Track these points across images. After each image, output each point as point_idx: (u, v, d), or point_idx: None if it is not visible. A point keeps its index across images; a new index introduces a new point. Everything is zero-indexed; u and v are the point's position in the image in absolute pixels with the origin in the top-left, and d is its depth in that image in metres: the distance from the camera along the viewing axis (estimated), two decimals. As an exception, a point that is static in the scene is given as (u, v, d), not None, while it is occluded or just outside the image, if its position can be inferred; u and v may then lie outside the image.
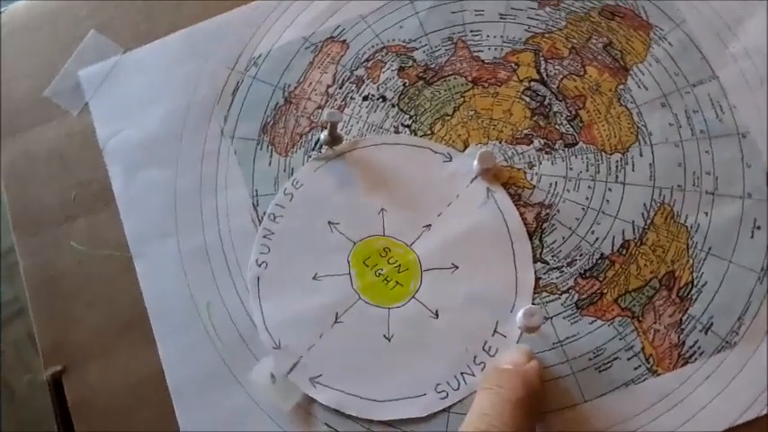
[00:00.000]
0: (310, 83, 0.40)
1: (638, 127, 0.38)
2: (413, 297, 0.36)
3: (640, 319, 0.35)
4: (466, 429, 0.30)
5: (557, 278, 0.36)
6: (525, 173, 0.38)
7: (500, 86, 0.39)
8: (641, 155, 0.37)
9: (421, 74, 0.40)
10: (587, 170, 0.37)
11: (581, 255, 0.36)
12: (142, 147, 0.40)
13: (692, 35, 0.39)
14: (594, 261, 0.36)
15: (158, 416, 0.36)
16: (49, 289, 0.39)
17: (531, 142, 0.38)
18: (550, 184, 0.37)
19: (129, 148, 0.40)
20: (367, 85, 0.40)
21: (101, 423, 0.37)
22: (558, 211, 0.37)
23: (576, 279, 0.36)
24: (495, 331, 0.35)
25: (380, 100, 0.40)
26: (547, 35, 0.40)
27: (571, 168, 0.37)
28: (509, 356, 0.34)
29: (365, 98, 0.40)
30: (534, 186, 0.37)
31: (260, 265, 0.37)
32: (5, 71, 0.43)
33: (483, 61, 0.40)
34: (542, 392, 0.33)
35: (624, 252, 0.36)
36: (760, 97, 0.37)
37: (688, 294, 0.35)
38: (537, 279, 0.36)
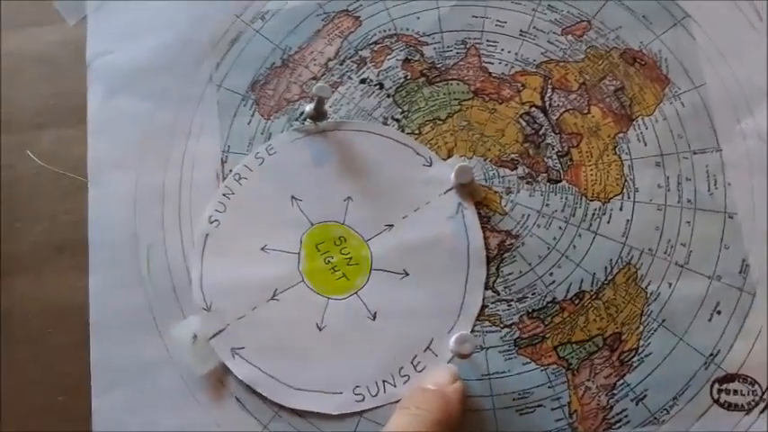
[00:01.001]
0: (312, 51, 0.39)
1: (626, 180, 0.36)
2: (355, 293, 0.35)
3: (575, 372, 0.34)
4: None
5: (503, 311, 0.35)
6: (501, 197, 0.37)
7: (500, 104, 0.38)
8: (621, 209, 0.36)
9: (425, 70, 0.39)
10: (563, 210, 0.36)
11: (533, 293, 0.35)
12: (127, 73, 0.39)
13: (707, 101, 0.37)
14: (545, 303, 0.35)
15: (71, 345, 0.35)
16: (1, 191, 0.38)
17: (516, 168, 0.37)
18: (523, 215, 0.36)
19: (113, 72, 0.39)
20: (368, 68, 0.39)
21: (16, 339, 0.36)
22: (523, 244, 0.36)
23: (521, 316, 0.35)
24: (427, 348, 0.35)
25: (377, 87, 0.39)
26: (561, 64, 0.38)
27: (548, 204, 0.36)
28: (434, 377, 0.33)
29: (362, 81, 0.39)
30: (506, 213, 0.36)
31: (212, 223, 0.36)
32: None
33: (490, 74, 0.38)
34: (460, 417, 0.32)
35: (577, 302, 0.35)
36: (757, 181, 0.36)
37: (629, 360, 0.34)
38: (483, 306, 0.35)
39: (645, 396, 0.34)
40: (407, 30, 0.39)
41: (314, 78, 0.39)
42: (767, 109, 0.37)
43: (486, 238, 0.36)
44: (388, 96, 0.38)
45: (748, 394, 0.33)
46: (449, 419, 0.30)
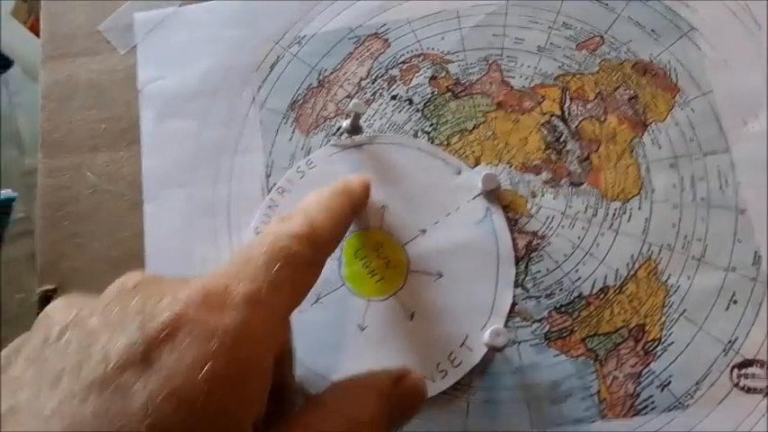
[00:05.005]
0: (345, 72, 0.42)
1: (642, 181, 0.39)
2: (393, 294, 0.38)
3: (603, 362, 0.36)
4: None
5: (532, 307, 0.37)
6: (526, 201, 0.39)
7: (522, 114, 0.41)
8: (639, 208, 0.38)
9: (451, 86, 0.42)
10: (585, 212, 0.39)
11: (561, 289, 0.37)
12: (176, 97, 0.42)
13: (715, 106, 0.40)
14: (572, 298, 0.37)
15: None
16: (58, 210, 0.41)
17: (539, 173, 0.40)
18: (547, 217, 0.39)
19: (164, 96, 0.42)
20: (398, 86, 0.42)
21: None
22: (549, 243, 0.38)
23: (550, 311, 0.37)
24: (463, 343, 0.37)
25: (407, 102, 0.41)
26: (578, 76, 0.41)
27: (570, 206, 0.39)
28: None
29: (393, 97, 0.42)
30: (532, 216, 0.39)
31: (258, 234, 0.39)
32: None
33: (512, 87, 0.41)
34: (359, 195, 0.35)
35: (602, 296, 0.37)
36: (765, 179, 0.38)
37: (653, 350, 0.36)
38: (513, 303, 0.37)
39: (669, 383, 0.36)
40: (433, 49, 0.42)
41: (348, 97, 0.42)
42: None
43: (514, 240, 0.38)
44: (418, 111, 0.41)
45: (767, 377, 0.36)
46: (344, 190, 0.33)
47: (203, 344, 0.22)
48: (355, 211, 0.34)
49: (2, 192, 0.96)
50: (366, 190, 0.36)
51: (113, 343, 0.22)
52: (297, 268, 0.27)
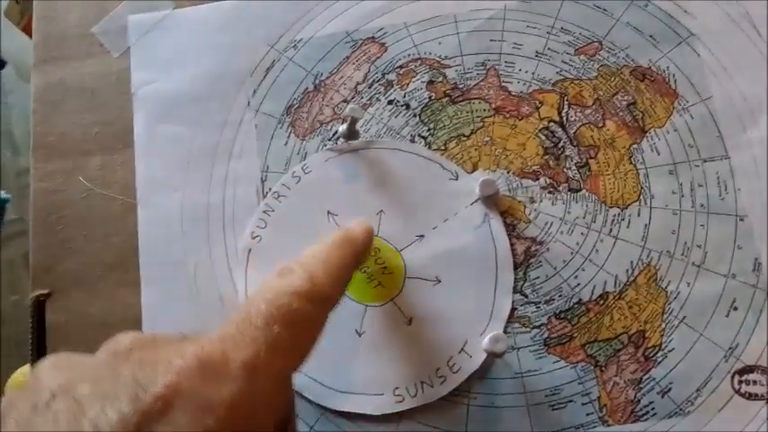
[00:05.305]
0: (342, 76, 0.42)
1: (641, 187, 0.39)
2: (391, 300, 0.37)
3: (603, 368, 0.36)
4: None
5: (532, 312, 0.37)
6: (525, 207, 0.39)
7: (520, 120, 0.40)
8: (639, 215, 0.38)
9: (448, 91, 0.41)
10: (584, 217, 0.38)
11: (560, 295, 0.37)
12: (170, 100, 0.42)
13: (714, 113, 0.40)
14: (571, 304, 0.37)
15: (126, 356, 0.37)
16: (51, 214, 0.40)
17: (538, 179, 0.39)
18: (546, 223, 0.38)
19: (157, 99, 0.42)
20: (394, 91, 0.41)
21: (73, 350, 0.38)
22: (548, 249, 0.38)
23: (549, 317, 0.37)
24: (462, 349, 0.36)
25: (404, 107, 0.41)
26: (576, 82, 0.41)
27: (569, 212, 0.39)
28: None
29: (390, 102, 0.41)
30: (530, 221, 0.39)
31: (254, 238, 0.39)
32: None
33: (510, 92, 0.41)
34: (364, 244, 0.33)
35: (601, 302, 0.37)
36: (765, 186, 0.38)
37: (653, 356, 0.36)
38: (513, 309, 0.37)
39: (670, 389, 0.36)
40: (430, 54, 0.42)
41: (344, 101, 0.41)
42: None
43: (512, 245, 0.38)
44: (415, 116, 0.41)
45: (767, 384, 0.35)
46: (346, 240, 0.31)
47: (199, 419, 0.21)
48: (358, 261, 0.32)
49: (-4, 193, 0.95)
50: (369, 237, 0.34)
51: (104, 416, 0.20)
52: (298, 327, 0.25)
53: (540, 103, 0.41)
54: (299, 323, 0.26)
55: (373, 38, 0.43)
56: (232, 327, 0.24)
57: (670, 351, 0.36)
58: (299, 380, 0.36)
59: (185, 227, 0.39)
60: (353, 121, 0.39)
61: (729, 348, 0.36)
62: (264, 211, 0.39)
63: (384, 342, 0.37)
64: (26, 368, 0.54)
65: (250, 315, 0.25)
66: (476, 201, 0.39)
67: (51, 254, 0.40)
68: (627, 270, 0.37)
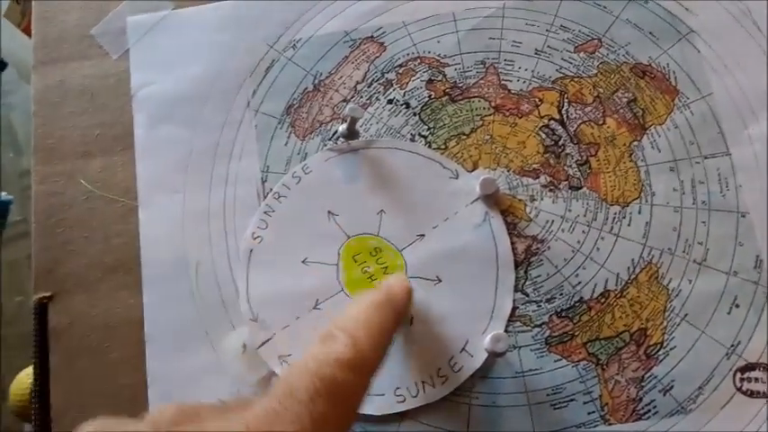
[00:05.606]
0: (341, 76, 0.42)
1: (642, 185, 0.39)
2: (392, 299, 0.37)
3: (604, 367, 0.36)
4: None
5: (533, 311, 0.37)
6: (525, 205, 0.39)
7: (520, 118, 0.40)
8: (640, 212, 0.38)
9: (448, 90, 0.41)
10: (585, 215, 0.38)
11: (561, 294, 0.37)
12: (170, 102, 0.42)
13: (714, 109, 0.39)
14: (573, 303, 0.37)
15: (127, 358, 0.38)
16: (53, 217, 0.40)
17: (538, 177, 0.39)
18: (547, 221, 0.38)
19: (157, 101, 0.42)
20: (394, 90, 0.41)
21: (75, 353, 0.38)
22: (549, 248, 0.38)
23: (551, 316, 0.37)
24: (463, 349, 0.36)
25: (404, 106, 0.41)
26: (576, 79, 0.41)
27: (570, 210, 0.38)
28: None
29: (390, 101, 0.41)
30: (531, 220, 0.39)
31: (255, 239, 0.39)
32: (61, -1, 0.45)
33: (509, 91, 0.41)
34: (404, 304, 0.32)
35: (603, 300, 0.37)
36: (766, 182, 0.38)
37: (655, 354, 0.36)
38: (514, 308, 0.37)
39: (672, 387, 0.36)
40: (429, 53, 0.42)
41: (344, 101, 0.41)
42: (770, 114, 0.39)
43: (513, 244, 0.38)
44: (415, 115, 0.41)
45: (769, 381, 0.35)
46: (387, 301, 0.31)
47: None
48: (399, 323, 0.32)
49: (-2, 195, 0.96)
50: (409, 296, 0.33)
51: None
52: (342, 399, 0.25)
53: (539, 100, 0.41)
54: (343, 394, 0.25)
55: (372, 37, 0.42)
56: (275, 401, 0.24)
57: (672, 349, 0.36)
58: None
59: (186, 228, 0.39)
60: (353, 121, 0.39)
61: (731, 346, 0.36)
62: (265, 212, 0.39)
63: (385, 342, 0.37)
64: (30, 369, 0.54)
65: (293, 388, 0.25)
66: (476, 199, 0.39)
67: (53, 256, 0.40)
68: (628, 268, 0.37)
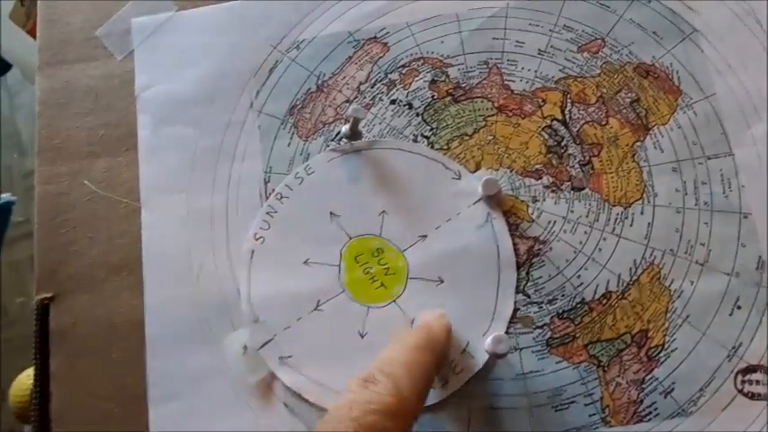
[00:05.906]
0: (344, 76, 0.42)
1: (645, 186, 0.38)
2: (394, 301, 0.37)
3: (605, 369, 0.36)
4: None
5: (534, 313, 0.37)
6: (528, 206, 0.39)
7: (523, 118, 0.40)
8: (642, 213, 0.38)
9: (451, 90, 0.41)
10: (587, 216, 0.38)
11: (563, 295, 0.37)
12: (174, 103, 0.42)
13: (718, 109, 0.39)
14: (574, 304, 0.37)
15: (128, 359, 0.38)
16: (56, 217, 0.41)
17: (540, 178, 0.39)
18: (549, 222, 0.38)
19: (161, 102, 0.42)
20: (397, 90, 0.41)
21: (76, 354, 0.38)
22: (551, 249, 0.38)
23: (552, 317, 0.37)
24: (464, 350, 0.36)
25: (407, 107, 0.41)
26: (579, 79, 0.41)
27: (572, 211, 0.38)
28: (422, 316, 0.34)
29: (393, 102, 0.41)
30: (533, 221, 0.38)
31: (257, 240, 0.39)
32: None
33: (512, 91, 0.41)
34: (444, 345, 0.33)
35: (604, 302, 0.37)
36: (769, 183, 0.38)
37: (656, 356, 0.36)
38: (515, 309, 0.37)
39: (673, 389, 0.35)
40: (432, 53, 0.42)
41: (347, 101, 0.41)
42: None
43: (515, 245, 0.38)
44: (418, 115, 0.41)
45: (771, 383, 0.35)
46: (429, 344, 0.31)
47: None
48: (440, 366, 0.32)
49: (1, 196, 0.96)
50: (449, 335, 0.33)
51: None
52: None
53: (542, 101, 0.41)
54: None
55: (375, 38, 0.43)
56: None
57: (673, 351, 0.36)
58: (299, 381, 0.36)
59: (189, 229, 0.39)
60: (356, 122, 0.39)
61: (733, 348, 0.36)
62: (267, 213, 0.39)
63: (386, 344, 0.37)
64: (30, 370, 0.55)
65: None
66: (478, 200, 0.39)
67: (56, 256, 0.40)
68: (630, 269, 0.37)
